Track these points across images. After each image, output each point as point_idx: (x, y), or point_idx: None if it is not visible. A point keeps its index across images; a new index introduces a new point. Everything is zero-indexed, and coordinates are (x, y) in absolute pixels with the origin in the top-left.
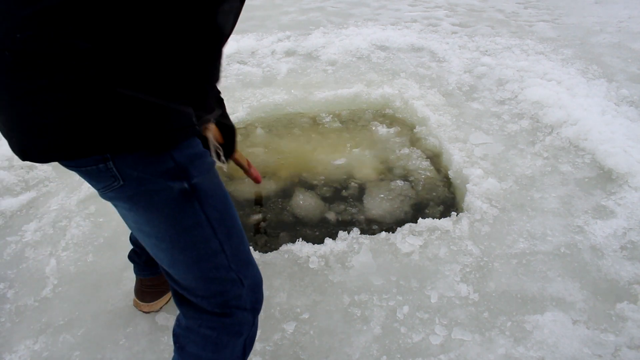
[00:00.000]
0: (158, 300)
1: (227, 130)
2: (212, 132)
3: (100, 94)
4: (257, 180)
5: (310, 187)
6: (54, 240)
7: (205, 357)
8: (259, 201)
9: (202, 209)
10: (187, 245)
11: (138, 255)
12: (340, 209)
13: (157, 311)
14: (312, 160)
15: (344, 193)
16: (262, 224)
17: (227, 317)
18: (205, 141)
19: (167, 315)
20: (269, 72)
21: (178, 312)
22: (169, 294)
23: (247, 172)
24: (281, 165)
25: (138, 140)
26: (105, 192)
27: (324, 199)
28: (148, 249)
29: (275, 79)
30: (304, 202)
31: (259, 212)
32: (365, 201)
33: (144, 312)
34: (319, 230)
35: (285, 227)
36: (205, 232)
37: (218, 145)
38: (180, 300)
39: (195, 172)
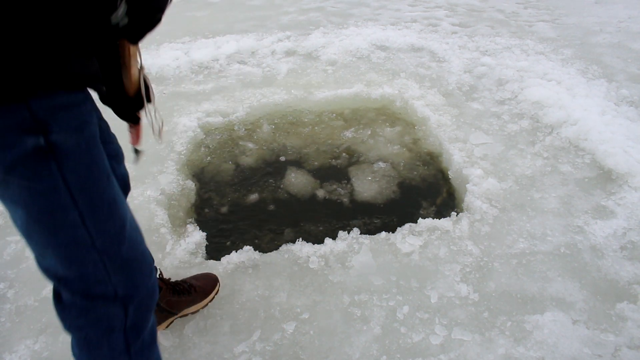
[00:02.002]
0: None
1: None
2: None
3: None
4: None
5: (313, 190)
6: None
7: (83, 359)
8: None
9: (59, 172)
10: (42, 213)
11: None
12: (334, 194)
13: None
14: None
15: (341, 193)
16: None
17: (90, 312)
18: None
19: None
20: (269, 72)
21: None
22: (167, 322)
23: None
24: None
25: None
26: None
27: (324, 199)
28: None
29: (275, 79)
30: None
31: (255, 192)
32: (364, 198)
33: None
34: (322, 227)
35: (291, 220)
36: (62, 200)
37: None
38: (53, 297)
39: (56, 126)
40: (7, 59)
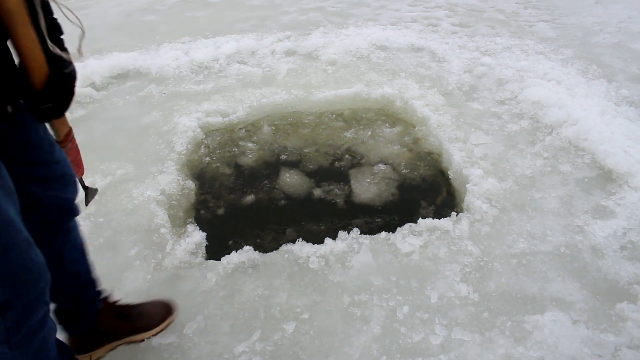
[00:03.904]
0: (94, 352)
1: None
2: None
3: None
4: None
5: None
6: None
7: None
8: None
9: None
10: None
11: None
12: (331, 194)
13: None
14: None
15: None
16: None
17: None
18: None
19: None
20: (269, 72)
21: None
22: (108, 346)
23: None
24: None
25: None
26: None
27: (325, 202)
28: None
29: (275, 79)
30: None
31: (251, 193)
32: (364, 199)
33: None
34: (324, 226)
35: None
36: None
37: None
38: None
39: None
40: None
